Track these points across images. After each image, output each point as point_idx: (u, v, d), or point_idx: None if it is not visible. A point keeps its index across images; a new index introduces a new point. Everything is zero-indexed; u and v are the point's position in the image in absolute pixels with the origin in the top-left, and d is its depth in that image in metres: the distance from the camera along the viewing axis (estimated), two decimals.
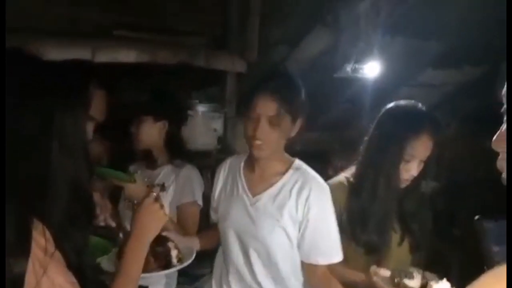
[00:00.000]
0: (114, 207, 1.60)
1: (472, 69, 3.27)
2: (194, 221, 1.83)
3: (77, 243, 0.89)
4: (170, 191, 1.79)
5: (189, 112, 2.37)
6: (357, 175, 1.57)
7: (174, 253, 1.34)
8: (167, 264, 1.33)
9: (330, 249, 1.42)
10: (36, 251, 0.79)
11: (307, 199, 1.38)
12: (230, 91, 2.83)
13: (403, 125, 1.49)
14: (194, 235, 1.71)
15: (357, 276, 1.48)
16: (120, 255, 1.11)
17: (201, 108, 2.75)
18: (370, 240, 1.51)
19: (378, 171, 1.51)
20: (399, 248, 1.57)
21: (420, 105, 1.55)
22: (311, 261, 1.42)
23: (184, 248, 1.41)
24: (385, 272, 1.42)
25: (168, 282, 1.73)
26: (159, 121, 1.83)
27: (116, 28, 2.45)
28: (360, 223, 1.52)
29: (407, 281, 1.37)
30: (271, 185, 1.44)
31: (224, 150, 2.76)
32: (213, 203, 1.60)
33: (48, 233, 0.82)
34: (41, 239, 0.80)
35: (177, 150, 1.88)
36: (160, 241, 1.28)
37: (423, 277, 1.39)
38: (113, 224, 1.43)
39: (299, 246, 1.42)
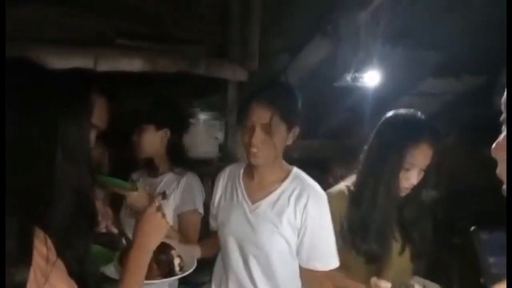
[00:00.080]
0: (115, 215, 1.61)
1: (472, 78, 3.28)
2: (195, 229, 1.82)
3: (79, 251, 0.89)
4: (172, 199, 1.79)
5: (191, 120, 2.37)
6: (357, 184, 1.57)
7: (176, 261, 1.34)
8: (170, 272, 1.33)
9: (327, 254, 1.43)
10: (37, 260, 0.78)
11: (305, 206, 1.40)
12: (231, 99, 2.83)
13: (403, 134, 1.49)
14: (195, 243, 1.72)
15: (358, 287, 1.47)
16: (122, 262, 1.12)
17: (202, 116, 2.76)
18: (370, 249, 1.51)
19: (378, 179, 1.51)
20: (400, 257, 1.57)
21: (419, 113, 1.56)
22: (309, 267, 1.43)
23: (186, 256, 1.41)
24: (386, 284, 1.41)
25: None
26: (161, 129, 1.84)
27: (117, 37, 2.47)
28: (360, 232, 1.51)
29: None
30: (270, 192, 1.45)
31: (225, 158, 2.77)
32: (213, 211, 1.61)
33: (49, 242, 0.81)
34: (42, 248, 0.80)
35: (179, 158, 1.89)
36: (163, 249, 1.29)
37: None
38: (115, 231, 1.43)
39: (298, 252, 1.43)
